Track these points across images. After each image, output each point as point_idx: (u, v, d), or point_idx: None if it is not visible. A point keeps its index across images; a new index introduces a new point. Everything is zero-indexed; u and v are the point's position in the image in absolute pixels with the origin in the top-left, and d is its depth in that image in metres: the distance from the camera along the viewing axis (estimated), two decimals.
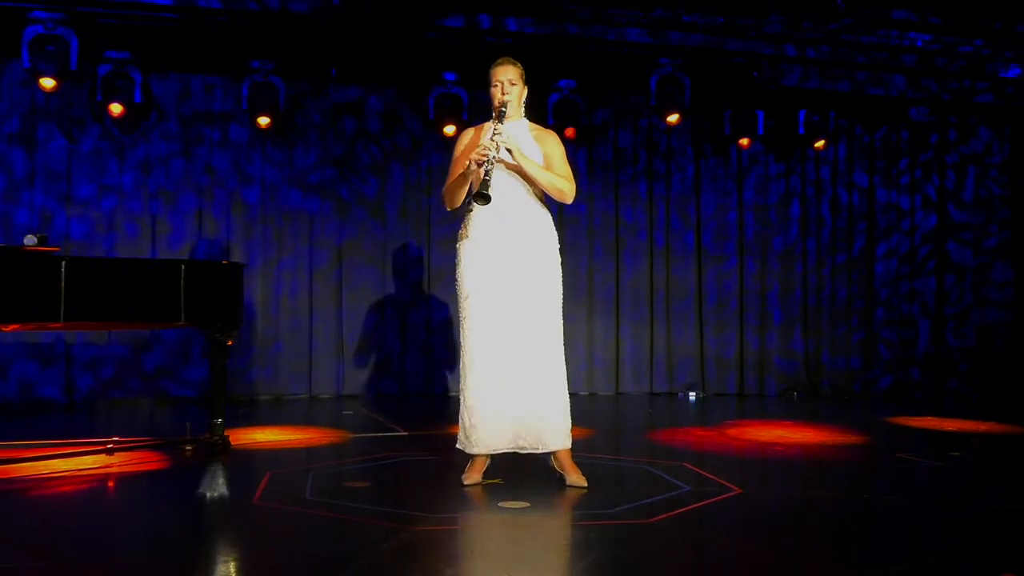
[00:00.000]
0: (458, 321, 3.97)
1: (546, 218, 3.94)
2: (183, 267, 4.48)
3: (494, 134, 3.74)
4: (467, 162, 3.78)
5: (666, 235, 8.13)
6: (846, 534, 3.37)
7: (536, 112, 7.29)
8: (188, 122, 7.20)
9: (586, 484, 3.87)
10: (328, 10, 6.57)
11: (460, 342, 3.91)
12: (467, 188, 3.89)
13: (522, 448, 3.87)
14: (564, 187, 3.87)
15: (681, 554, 3.08)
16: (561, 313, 3.91)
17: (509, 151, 3.78)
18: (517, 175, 3.86)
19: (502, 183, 3.79)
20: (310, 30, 6.79)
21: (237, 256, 7.14)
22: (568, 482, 3.89)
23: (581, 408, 7.07)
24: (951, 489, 4.28)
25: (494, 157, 3.68)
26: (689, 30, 7.15)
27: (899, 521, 3.55)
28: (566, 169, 3.93)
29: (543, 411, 3.84)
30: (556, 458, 3.95)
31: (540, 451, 3.89)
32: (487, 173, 3.66)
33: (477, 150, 3.72)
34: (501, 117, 3.80)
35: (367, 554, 2.92)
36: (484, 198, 3.64)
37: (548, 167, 3.88)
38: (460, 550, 3.18)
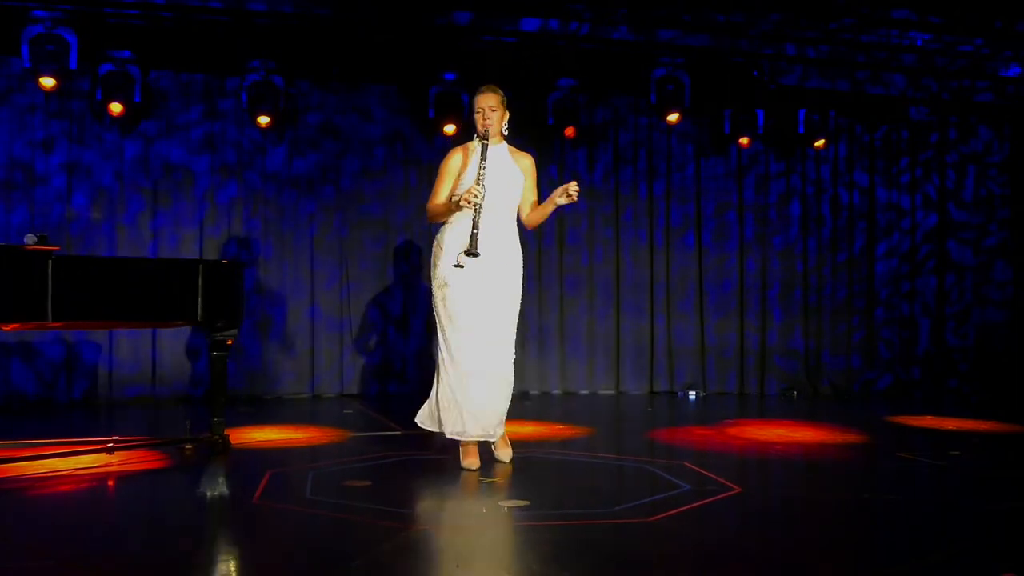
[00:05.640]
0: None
1: (516, 236, 4.32)
2: (183, 266, 4.48)
3: (479, 176, 4.06)
4: (457, 194, 4.12)
5: (666, 234, 8.13)
6: (846, 534, 3.38)
7: (536, 112, 7.39)
8: (188, 121, 7.19)
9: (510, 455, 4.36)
10: (328, 9, 6.57)
11: (439, 342, 4.31)
12: (449, 214, 4.23)
13: (489, 436, 4.25)
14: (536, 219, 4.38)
15: (681, 553, 3.08)
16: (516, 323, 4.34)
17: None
18: (496, 195, 4.16)
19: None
20: (310, 30, 6.79)
21: (238, 254, 7.14)
22: (497, 457, 4.36)
23: (581, 407, 7.11)
24: (951, 489, 4.28)
25: (480, 208, 4.04)
26: (689, 29, 7.15)
27: (899, 521, 3.55)
28: (536, 197, 4.38)
29: (504, 404, 4.27)
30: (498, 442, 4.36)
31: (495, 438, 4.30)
32: (475, 227, 4.03)
33: (464, 195, 4.04)
34: (484, 151, 4.11)
35: (367, 554, 2.92)
36: (474, 255, 4.05)
37: (530, 190, 4.34)
38: (460, 550, 3.18)
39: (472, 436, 4.21)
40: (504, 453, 4.40)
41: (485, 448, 4.39)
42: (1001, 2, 7.00)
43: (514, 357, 4.31)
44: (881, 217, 8.44)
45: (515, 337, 4.32)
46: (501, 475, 4.14)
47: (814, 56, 7.51)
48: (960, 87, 8.06)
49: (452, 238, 4.21)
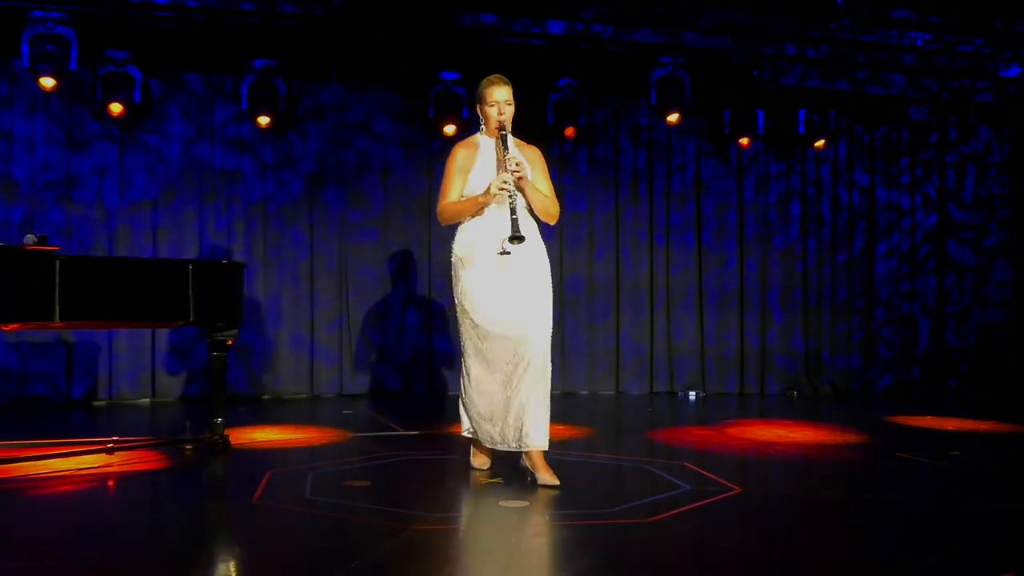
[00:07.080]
0: (455, 321, 4.11)
1: (536, 230, 4.06)
2: (182, 267, 4.48)
3: (508, 167, 3.87)
4: (487, 186, 3.89)
5: (666, 234, 8.13)
6: (846, 534, 3.38)
7: (536, 112, 7.38)
8: (188, 121, 7.19)
9: (558, 482, 3.84)
10: (328, 9, 6.57)
11: (462, 348, 4.05)
12: (472, 210, 3.98)
13: (511, 447, 3.93)
14: (553, 210, 4.07)
15: (681, 554, 3.08)
16: (551, 319, 4.00)
17: (520, 178, 3.94)
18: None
19: (500, 199, 3.90)
20: (310, 29, 6.79)
21: (238, 255, 7.13)
22: (540, 481, 3.86)
23: (581, 408, 7.10)
24: (951, 489, 4.28)
25: (514, 194, 3.85)
26: (689, 29, 7.15)
27: (899, 521, 3.55)
28: (550, 188, 4.11)
29: (532, 412, 3.88)
30: (530, 457, 3.94)
31: (523, 449, 3.92)
32: (514, 212, 3.82)
33: (496, 182, 3.86)
34: (505, 142, 3.94)
35: (367, 554, 2.92)
36: (519, 239, 3.81)
37: (540, 180, 4.06)
38: (460, 550, 3.18)
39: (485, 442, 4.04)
40: (545, 477, 3.88)
41: (506, 457, 4.15)
42: (1001, 2, 7.00)
43: (549, 354, 3.97)
44: (881, 217, 8.44)
45: (550, 330, 3.97)
46: (501, 475, 4.13)
47: (814, 56, 7.51)
48: (960, 87, 8.06)
49: (465, 243, 4.02)
